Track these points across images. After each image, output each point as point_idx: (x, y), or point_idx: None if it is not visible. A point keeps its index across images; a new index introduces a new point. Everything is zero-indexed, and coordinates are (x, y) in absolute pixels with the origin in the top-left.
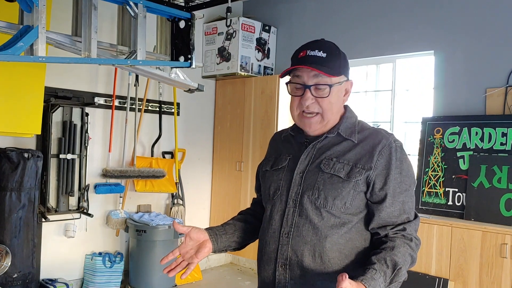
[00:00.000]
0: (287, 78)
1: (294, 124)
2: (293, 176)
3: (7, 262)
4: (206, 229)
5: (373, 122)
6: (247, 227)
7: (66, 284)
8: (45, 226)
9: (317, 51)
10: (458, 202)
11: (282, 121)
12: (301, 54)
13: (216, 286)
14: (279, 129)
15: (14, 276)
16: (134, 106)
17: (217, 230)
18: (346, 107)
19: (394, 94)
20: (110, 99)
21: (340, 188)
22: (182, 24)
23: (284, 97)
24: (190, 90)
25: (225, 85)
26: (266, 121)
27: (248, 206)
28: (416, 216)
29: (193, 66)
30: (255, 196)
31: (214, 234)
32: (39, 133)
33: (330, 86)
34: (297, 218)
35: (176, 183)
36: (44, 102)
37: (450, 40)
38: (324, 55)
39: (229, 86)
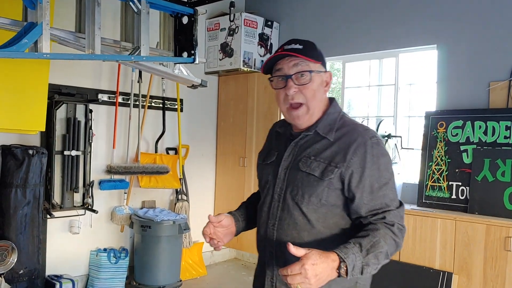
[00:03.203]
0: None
1: (282, 120)
2: (278, 171)
3: (13, 258)
4: (231, 214)
5: (376, 116)
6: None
7: (72, 280)
8: (50, 222)
9: (293, 44)
10: (462, 195)
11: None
12: (280, 49)
13: (220, 281)
14: None
15: (20, 272)
16: (137, 103)
17: (239, 216)
18: (331, 101)
19: (397, 88)
20: (113, 95)
21: (315, 186)
22: (185, 19)
23: None
24: (193, 86)
25: (228, 81)
26: (269, 117)
27: None
28: (400, 205)
29: (197, 61)
30: None
31: (237, 220)
32: (44, 130)
33: (310, 72)
34: (280, 212)
35: (180, 179)
36: (48, 99)
37: (453, 34)
38: (300, 46)
39: (232, 82)
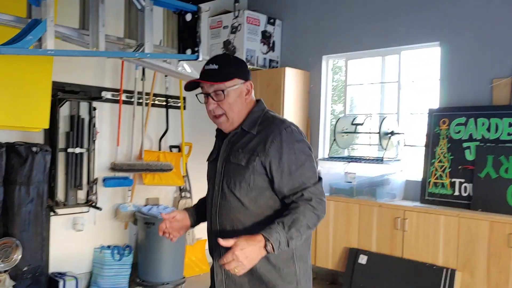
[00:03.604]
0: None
1: None
2: (217, 166)
3: (18, 255)
4: (185, 210)
5: (379, 114)
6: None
7: (75, 277)
8: (54, 219)
9: (211, 64)
10: (465, 192)
11: (287, 113)
12: (202, 69)
13: None
14: None
15: (24, 269)
16: (141, 100)
17: (193, 210)
18: (257, 102)
19: (400, 85)
20: (117, 93)
21: (243, 174)
22: (188, 17)
23: (290, 90)
24: None
25: None
26: None
27: None
28: (318, 181)
29: (200, 58)
30: None
31: (191, 215)
32: (47, 127)
33: (223, 90)
34: (220, 200)
35: (183, 176)
36: (52, 96)
37: (456, 30)
38: (216, 67)
39: None
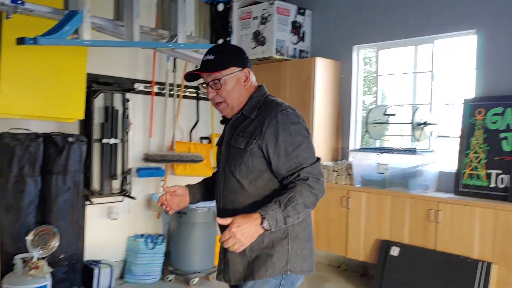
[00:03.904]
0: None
1: None
2: (222, 149)
3: (55, 242)
4: (187, 186)
5: (411, 104)
6: (211, 186)
7: (110, 265)
8: (89, 208)
9: (208, 55)
10: (502, 184)
11: (318, 104)
12: (202, 59)
13: None
14: (315, 112)
15: (60, 257)
16: (172, 92)
17: (193, 188)
18: (259, 87)
19: (433, 75)
20: (149, 85)
21: (242, 156)
22: (220, 7)
23: (320, 81)
24: None
25: (260, 69)
26: (302, 105)
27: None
28: (316, 161)
29: None
30: None
31: (191, 192)
32: (82, 118)
33: (220, 79)
34: (223, 182)
35: (213, 167)
36: (87, 88)
37: (493, 18)
38: (212, 57)
39: (264, 70)
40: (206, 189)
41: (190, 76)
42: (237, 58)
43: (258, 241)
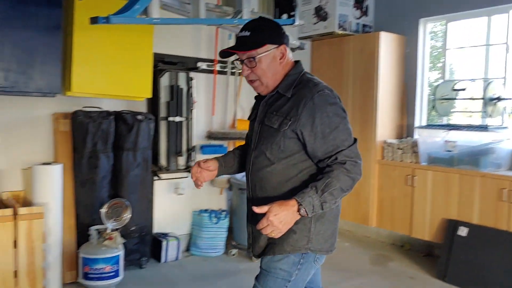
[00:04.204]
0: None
1: None
2: (254, 127)
3: (127, 214)
4: (217, 159)
5: (483, 79)
6: (241, 160)
7: (177, 238)
8: (157, 184)
9: (244, 31)
10: None
11: (382, 80)
12: (237, 35)
13: None
14: (379, 88)
15: (131, 229)
16: (234, 71)
17: (223, 162)
18: (296, 63)
19: (508, 47)
20: (212, 63)
21: (274, 136)
22: None
23: (385, 56)
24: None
25: (322, 45)
26: (366, 81)
27: None
28: (354, 142)
29: (296, 23)
30: None
31: (221, 165)
32: (150, 96)
33: (254, 57)
34: (253, 159)
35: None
36: (153, 67)
37: None
38: (248, 33)
39: (325, 46)
40: (239, 164)
41: (225, 53)
42: (274, 34)
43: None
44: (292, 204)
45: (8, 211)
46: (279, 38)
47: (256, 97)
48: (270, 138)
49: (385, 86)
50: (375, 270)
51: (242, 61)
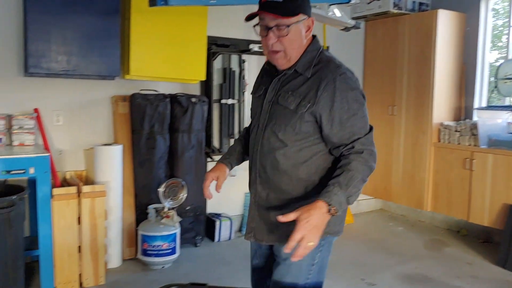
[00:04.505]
0: (254, 21)
1: None
2: (263, 105)
3: (183, 194)
4: (223, 162)
5: None
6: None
7: (229, 219)
8: (210, 165)
9: None
10: None
11: (439, 60)
12: (262, 2)
13: (367, 230)
14: (436, 69)
15: (187, 208)
16: None
17: (229, 161)
18: (312, 38)
19: None
20: None
21: (290, 118)
22: None
23: (442, 35)
24: (346, 29)
25: (376, 25)
26: (422, 61)
27: (402, 151)
28: (370, 130)
29: (353, 1)
30: None
31: (229, 165)
32: (204, 79)
33: (288, 26)
34: (262, 140)
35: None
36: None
37: None
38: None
39: (380, 26)
40: (241, 156)
41: (250, 16)
42: (306, 5)
43: (304, 203)
44: (320, 206)
45: (73, 189)
46: (309, 9)
47: (263, 70)
48: (284, 119)
49: (442, 66)
50: (431, 255)
51: (268, 28)
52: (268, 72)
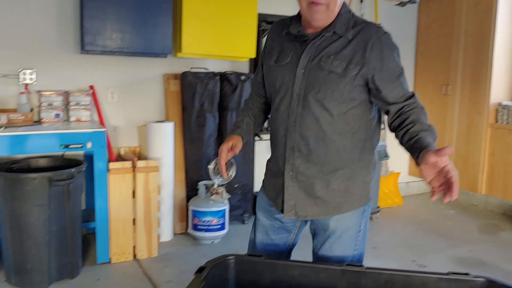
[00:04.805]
0: None
1: (292, 20)
2: (296, 72)
3: (233, 172)
4: (238, 134)
5: None
6: (259, 121)
7: None
8: (258, 144)
9: None
10: None
11: (499, 37)
12: None
13: (417, 212)
14: (496, 47)
15: (235, 186)
16: None
17: (240, 132)
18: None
19: None
20: None
21: (338, 83)
22: None
23: (504, 10)
24: (401, 3)
25: (430, 1)
26: (480, 39)
27: (456, 132)
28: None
29: None
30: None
31: (241, 136)
32: (254, 56)
33: None
34: (301, 110)
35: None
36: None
37: None
38: None
39: (434, 1)
40: (252, 129)
41: None
42: None
43: (342, 174)
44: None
45: (128, 164)
46: None
47: (276, 34)
48: (330, 85)
49: (502, 44)
50: (485, 239)
51: None
52: (294, 36)
